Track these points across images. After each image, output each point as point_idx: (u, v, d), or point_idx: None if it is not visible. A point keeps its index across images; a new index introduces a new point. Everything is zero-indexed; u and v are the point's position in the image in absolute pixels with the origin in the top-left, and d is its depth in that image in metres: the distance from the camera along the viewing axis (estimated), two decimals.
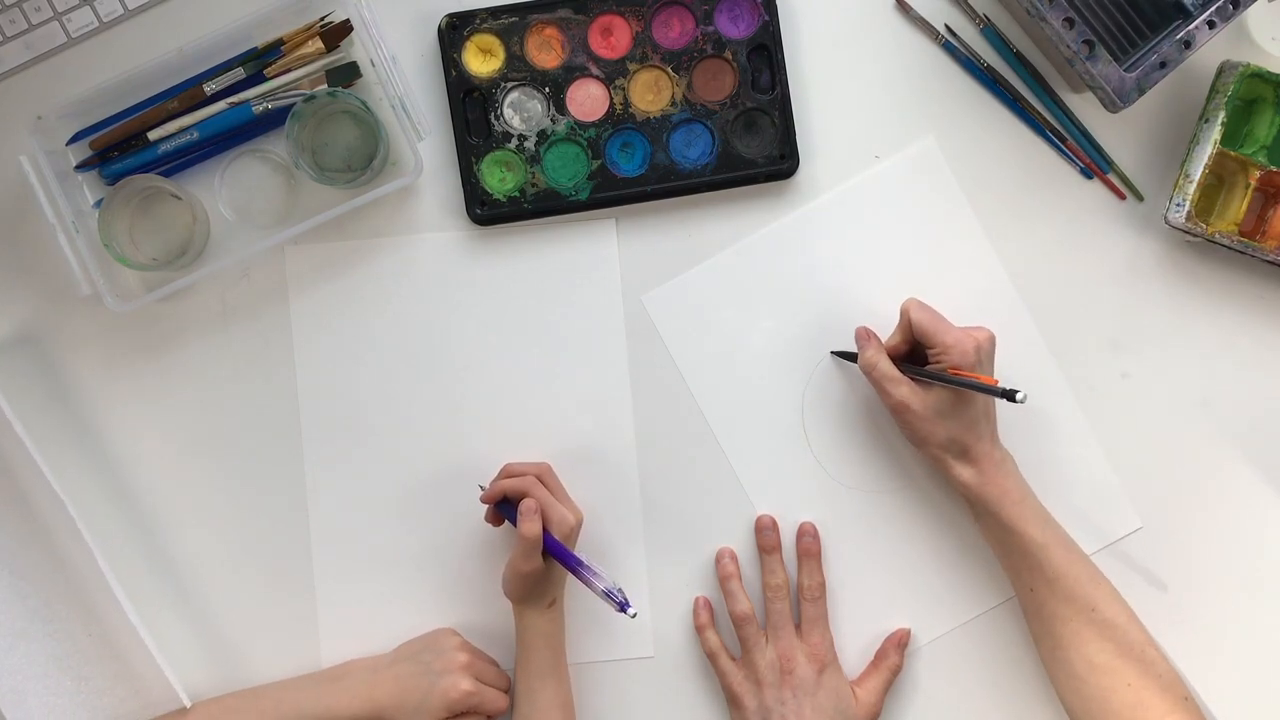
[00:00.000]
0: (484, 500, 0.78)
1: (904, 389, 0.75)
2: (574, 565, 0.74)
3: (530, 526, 0.73)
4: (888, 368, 0.76)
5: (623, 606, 0.72)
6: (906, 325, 0.77)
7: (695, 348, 0.83)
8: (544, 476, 0.78)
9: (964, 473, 0.75)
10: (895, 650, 0.80)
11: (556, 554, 0.75)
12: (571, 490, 0.80)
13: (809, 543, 0.81)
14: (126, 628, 0.79)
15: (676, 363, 0.83)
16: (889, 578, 0.82)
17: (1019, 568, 0.75)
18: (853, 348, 0.81)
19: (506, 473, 0.78)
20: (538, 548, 0.74)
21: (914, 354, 0.78)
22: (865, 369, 0.77)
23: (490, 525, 0.79)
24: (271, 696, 0.78)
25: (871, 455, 0.83)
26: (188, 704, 0.79)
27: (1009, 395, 0.69)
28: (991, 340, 0.75)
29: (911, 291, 0.82)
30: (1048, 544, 0.74)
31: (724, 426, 0.83)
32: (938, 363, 0.74)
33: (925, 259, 0.83)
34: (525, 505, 0.75)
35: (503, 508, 0.77)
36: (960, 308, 0.82)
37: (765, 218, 0.83)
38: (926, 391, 0.74)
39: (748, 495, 0.82)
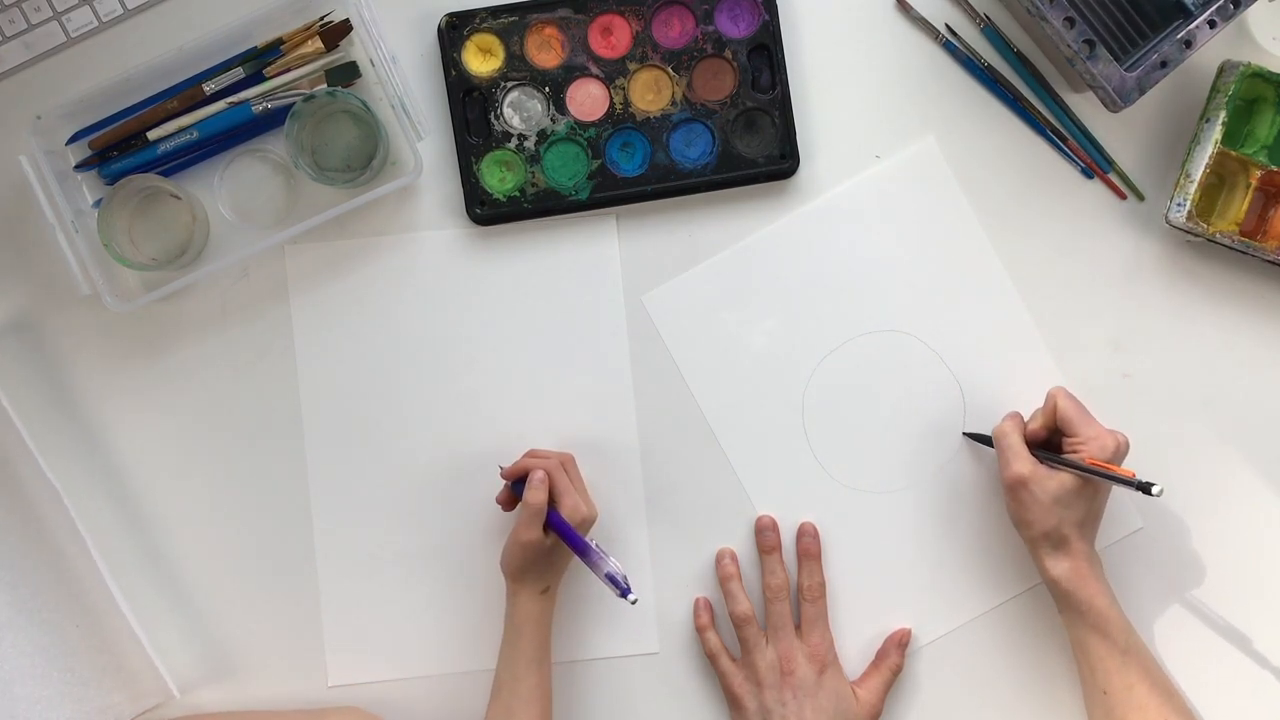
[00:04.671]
0: (504, 476, 0.78)
1: (1026, 465, 0.74)
2: (580, 546, 0.74)
3: (535, 494, 0.74)
4: (1017, 442, 0.76)
5: (624, 592, 0.72)
6: (1051, 411, 0.76)
7: (695, 348, 0.83)
8: (566, 465, 0.78)
9: (1057, 567, 0.74)
10: (896, 650, 0.80)
11: (561, 531, 0.74)
12: None
13: (809, 543, 0.81)
14: (117, 620, 0.79)
15: (677, 363, 0.83)
16: (889, 578, 0.82)
17: (1095, 669, 0.75)
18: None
19: (530, 455, 0.79)
20: (539, 516, 0.74)
21: (1049, 444, 0.78)
22: (997, 436, 0.77)
23: (502, 510, 0.79)
24: None
25: (871, 455, 0.83)
26: (177, 695, 0.79)
27: (1145, 488, 0.69)
28: (1128, 445, 0.75)
29: (912, 291, 0.82)
30: (1129, 651, 0.73)
31: (724, 426, 0.83)
32: (1074, 452, 0.74)
33: (925, 259, 0.83)
34: (533, 475, 0.75)
35: (518, 488, 0.77)
36: (961, 307, 0.83)
37: (765, 218, 0.83)
38: (1049, 476, 0.74)
39: (748, 495, 0.82)
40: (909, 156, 0.83)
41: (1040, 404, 0.78)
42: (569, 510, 0.75)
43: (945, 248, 0.83)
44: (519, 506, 0.76)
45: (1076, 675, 0.77)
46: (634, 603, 0.72)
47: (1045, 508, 0.74)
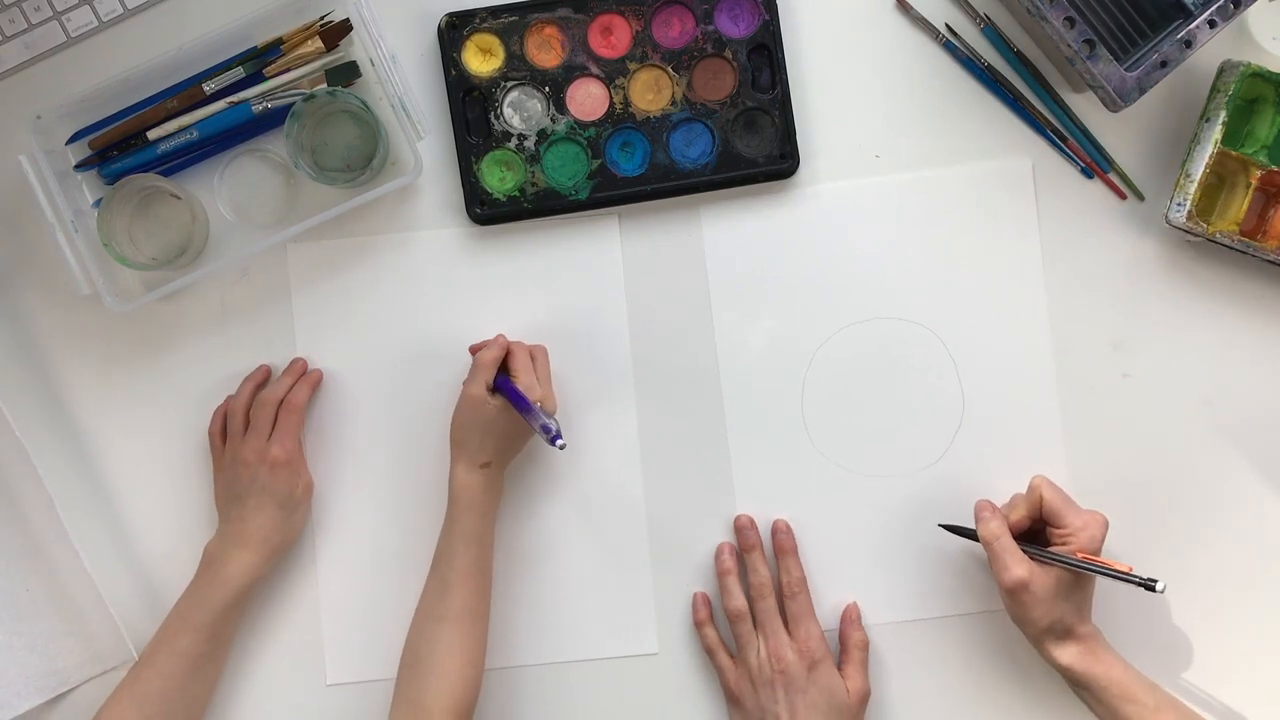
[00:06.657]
0: (471, 350, 0.79)
1: (1025, 567, 0.73)
2: (524, 405, 0.74)
3: (486, 352, 0.77)
4: (1010, 543, 0.74)
5: (554, 438, 0.73)
6: (1036, 502, 0.76)
7: (694, 346, 0.83)
8: (534, 353, 0.79)
9: (1065, 654, 0.73)
10: (854, 626, 0.80)
11: (506, 391, 0.75)
12: (576, 484, 0.81)
13: (782, 539, 0.81)
14: (78, 585, 0.79)
15: (676, 362, 0.83)
16: (891, 572, 0.82)
17: None
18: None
19: (500, 337, 0.80)
20: (484, 371, 0.76)
21: (1031, 533, 0.77)
22: (987, 540, 0.75)
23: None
24: (170, 624, 0.77)
25: (871, 450, 0.82)
26: (134, 655, 0.79)
27: (1149, 585, 0.68)
28: (1107, 525, 0.74)
29: (911, 290, 0.82)
30: (1160, 707, 0.72)
31: (725, 426, 0.83)
32: (1064, 543, 0.74)
33: (925, 258, 0.83)
34: (494, 339, 0.78)
35: (500, 380, 0.77)
36: (959, 308, 0.83)
37: (765, 217, 0.83)
38: (1044, 572, 0.73)
39: (749, 495, 0.82)
40: (909, 156, 0.83)
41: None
42: (525, 386, 0.76)
43: (944, 247, 0.83)
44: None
45: None
46: (562, 448, 0.73)
47: (1047, 605, 0.73)
